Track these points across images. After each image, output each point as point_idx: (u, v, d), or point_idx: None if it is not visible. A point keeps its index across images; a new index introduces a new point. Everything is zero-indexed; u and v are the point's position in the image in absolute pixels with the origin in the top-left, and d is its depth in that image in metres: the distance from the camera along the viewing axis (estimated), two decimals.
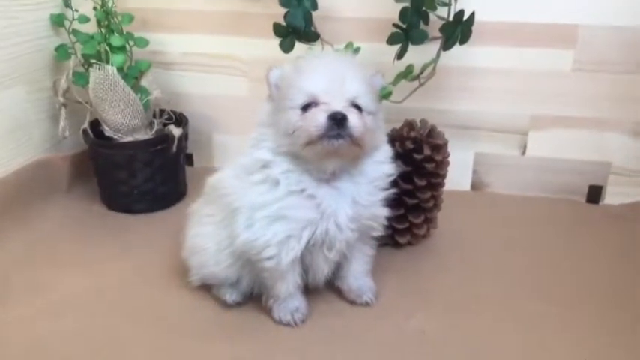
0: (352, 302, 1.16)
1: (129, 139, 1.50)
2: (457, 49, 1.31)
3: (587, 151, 1.53)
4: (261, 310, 1.14)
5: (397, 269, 1.28)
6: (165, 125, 1.55)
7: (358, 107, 1.00)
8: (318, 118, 0.96)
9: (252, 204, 1.03)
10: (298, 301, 1.11)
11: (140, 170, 1.50)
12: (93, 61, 1.44)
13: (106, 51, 1.45)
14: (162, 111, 1.57)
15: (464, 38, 1.30)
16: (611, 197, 1.55)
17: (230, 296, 1.14)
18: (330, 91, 0.98)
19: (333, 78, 0.99)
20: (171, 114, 1.57)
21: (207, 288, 1.18)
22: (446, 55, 1.32)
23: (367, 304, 1.15)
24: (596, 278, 1.26)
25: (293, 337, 1.08)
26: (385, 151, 1.10)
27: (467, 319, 1.13)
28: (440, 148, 1.28)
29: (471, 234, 1.43)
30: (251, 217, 1.03)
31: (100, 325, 1.12)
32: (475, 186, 1.63)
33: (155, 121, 1.56)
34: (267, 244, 1.02)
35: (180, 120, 1.58)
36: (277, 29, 1.37)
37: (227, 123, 1.71)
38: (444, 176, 1.31)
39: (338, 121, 0.95)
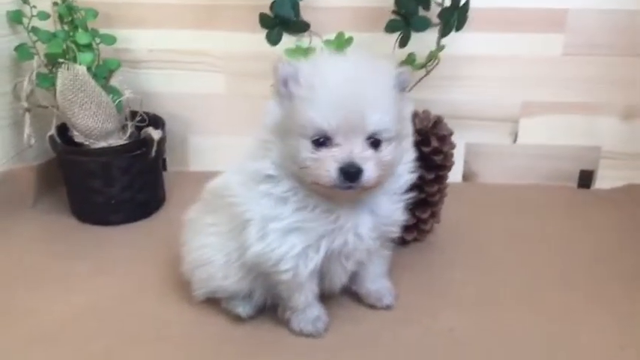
0: (372, 306, 1.10)
1: (102, 144, 1.38)
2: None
3: (578, 135, 1.53)
4: (275, 322, 1.06)
5: (408, 267, 1.23)
6: (138, 128, 1.44)
7: (378, 141, 0.89)
8: (329, 169, 0.86)
9: (264, 215, 0.93)
10: (318, 310, 1.04)
11: (117, 178, 1.38)
12: (61, 60, 1.31)
13: (71, 49, 1.33)
14: (134, 113, 1.45)
15: (460, 24, 1.27)
16: (602, 181, 1.56)
17: (243, 310, 1.05)
18: (346, 129, 0.86)
19: (351, 111, 0.85)
20: (145, 116, 1.45)
21: (211, 301, 1.09)
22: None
23: (388, 307, 1.09)
24: (602, 262, 1.26)
25: (316, 349, 1.00)
26: (406, 164, 0.99)
27: (491, 313, 1.10)
28: (445, 139, 1.23)
29: (470, 226, 1.40)
30: (264, 227, 0.94)
31: (99, 348, 1.01)
32: (466, 176, 1.60)
33: (128, 124, 1.44)
34: (283, 257, 0.93)
35: (156, 122, 1.46)
36: (264, 20, 1.29)
37: (203, 123, 1.61)
38: (449, 168, 1.26)
39: (351, 174, 0.85)
